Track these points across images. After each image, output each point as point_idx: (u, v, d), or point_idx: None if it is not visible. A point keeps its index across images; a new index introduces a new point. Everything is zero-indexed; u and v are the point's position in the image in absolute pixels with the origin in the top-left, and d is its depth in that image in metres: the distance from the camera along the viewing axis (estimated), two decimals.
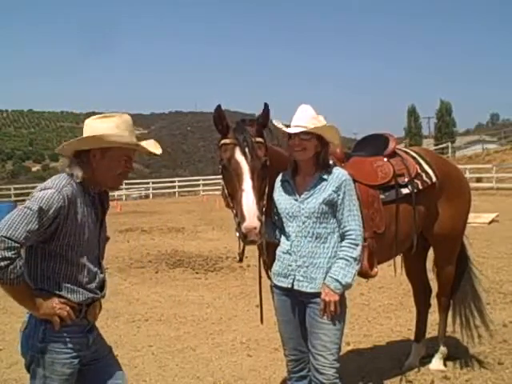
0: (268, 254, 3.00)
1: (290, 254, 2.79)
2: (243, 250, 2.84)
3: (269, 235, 2.85)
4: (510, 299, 6.20)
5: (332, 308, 2.66)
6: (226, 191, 2.78)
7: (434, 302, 4.35)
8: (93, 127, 2.32)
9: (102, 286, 2.41)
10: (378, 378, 4.08)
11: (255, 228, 2.51)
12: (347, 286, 2.69)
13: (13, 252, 2.04)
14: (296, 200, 2.79)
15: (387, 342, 4.96)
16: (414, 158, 3.80)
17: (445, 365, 4.22)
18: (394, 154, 3.70)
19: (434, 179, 3.76)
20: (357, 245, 2.71)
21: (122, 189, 30.21)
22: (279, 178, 2.92)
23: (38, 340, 2.21)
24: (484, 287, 4.69)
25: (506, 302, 6.11)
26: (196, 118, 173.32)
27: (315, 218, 2.72)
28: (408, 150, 3.96)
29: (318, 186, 2.76)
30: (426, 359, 4.29)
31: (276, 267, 2.88)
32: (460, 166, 10.56)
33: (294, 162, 2.86)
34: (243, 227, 2.52)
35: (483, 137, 47.06)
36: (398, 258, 4.00)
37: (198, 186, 34.95)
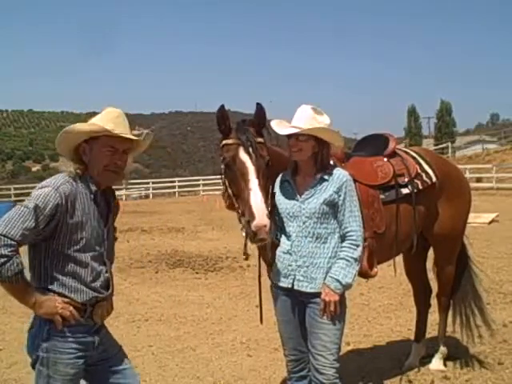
0: (268, 254, 2.99)
1: (290, 254, 2.79)
2: (245, 245, 2.83)
3: (272, 235, 2.85)
4: (510, 299, 6.20)
5: (332, 308, 2.66)
6: (229, 191, 2.75)
7: (434, 301, 4.35)
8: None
9: (107, 285, 2.39)
10: (378, 378, 4.08)
11: (265, 226, 2.51)
12: (347, 287, 2.70)
13: (9, 250, 2.05)
14: (297, 200, 2.79)
15: (387, 342, 4.96)
16: (414, 158, 3.80)
17: (445, 365, 4.23)
18: (394, 154, 3.70)
19: (434, 179, 3.76)
20: (357, 245, 2.71)
21: (121, 189, 30.22)
22: (279, 178, 2.92)
23: (42, 339, 2.22)
24: (484, 287, 4.68)
25: (506, 302, 6.11)
26: (196, 118, 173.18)
27: (316, 218, 2.73)
28: (408, 150, 3.96)
29: (319, 187, 2.76)
30: (425, 359, 4.29)
31: (276, 267, 2.88)
32: (460, 166, 10.56)
33: (294, 162, 2.86)
34: (253, 225, 2.50)
35: (483, 137, 47.06)
36: (398, 258, 4.00)
37: (198, 185, 34.93)
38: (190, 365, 4.56)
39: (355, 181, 3.07)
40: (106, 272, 2.39)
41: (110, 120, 2.32)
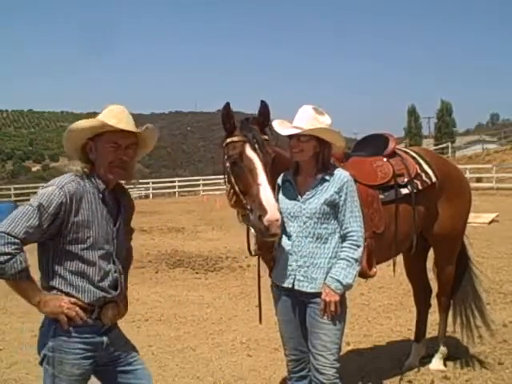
0: (269, 254, 2.99)
1: (290, 254, 2.79)
2: (249, 244, 2.82)
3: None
4: (510, 299, 6.20)
5: (332, 308, 2.66)
6: (236, 188, 2.71)
7: (434, 302, 4.35)
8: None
9: (115, 285, 2.36)
10: (378, 378, 4.08)
11: (277, 220, 2.50)
12: (348, 287, 2.70)
13: (13, 247, 2.05)
14: (297, 200, 2.79)
15: (387, 342, 4.96)
16: (413, 158, 3.80)
17: (445, 365, 4.23)
18: (393, 154, 3.70)
19: (434, 179, 3.76)
20: (358, 246, 2.71)
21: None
22: (280, 178, 2.92)
23: (48, 338, 2.22)
24: (484, 287, 4.69)
25: (506, 302, 6.11)
26: (196, 118, 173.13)
27: (316, 218, 2.73)
28: (408, 150, 3.96)
29: (320, 187, 2.76)
30: (425, 359, 4.29)
31: (277, 267, 2.89)
32: (460, 166, 10.55)
33: (295, 162, 2.86)
34: (265, 220, 2.48)
35: (483, 137, 47.04)
36: (398, 258, 4.00)
37: (198, 186, 34.93)
38: (189, 365, 4.56)
39: (355, 181, 3.07)
40: (115, 272, 2.36)
41: (113, 116, 2.31)
